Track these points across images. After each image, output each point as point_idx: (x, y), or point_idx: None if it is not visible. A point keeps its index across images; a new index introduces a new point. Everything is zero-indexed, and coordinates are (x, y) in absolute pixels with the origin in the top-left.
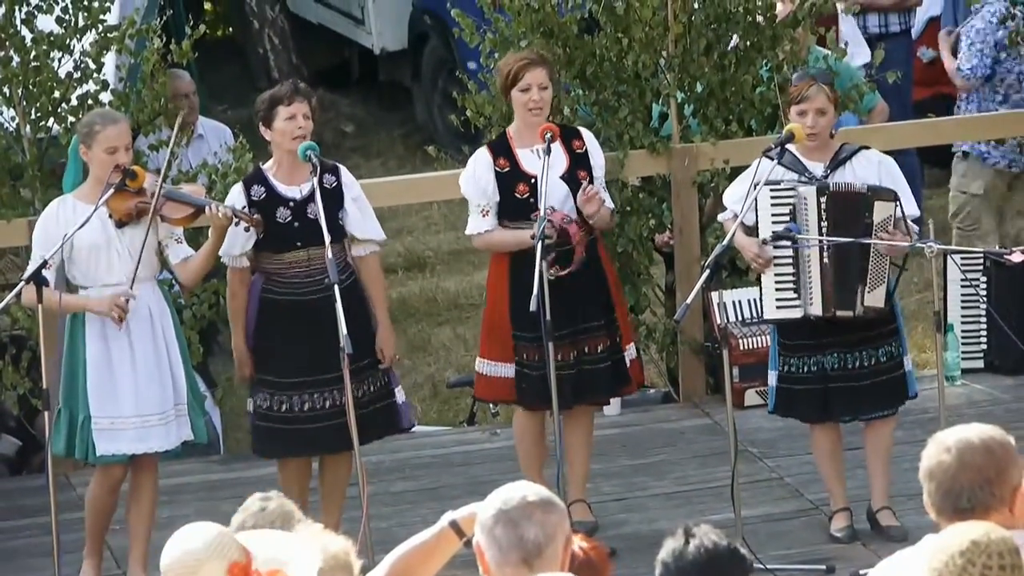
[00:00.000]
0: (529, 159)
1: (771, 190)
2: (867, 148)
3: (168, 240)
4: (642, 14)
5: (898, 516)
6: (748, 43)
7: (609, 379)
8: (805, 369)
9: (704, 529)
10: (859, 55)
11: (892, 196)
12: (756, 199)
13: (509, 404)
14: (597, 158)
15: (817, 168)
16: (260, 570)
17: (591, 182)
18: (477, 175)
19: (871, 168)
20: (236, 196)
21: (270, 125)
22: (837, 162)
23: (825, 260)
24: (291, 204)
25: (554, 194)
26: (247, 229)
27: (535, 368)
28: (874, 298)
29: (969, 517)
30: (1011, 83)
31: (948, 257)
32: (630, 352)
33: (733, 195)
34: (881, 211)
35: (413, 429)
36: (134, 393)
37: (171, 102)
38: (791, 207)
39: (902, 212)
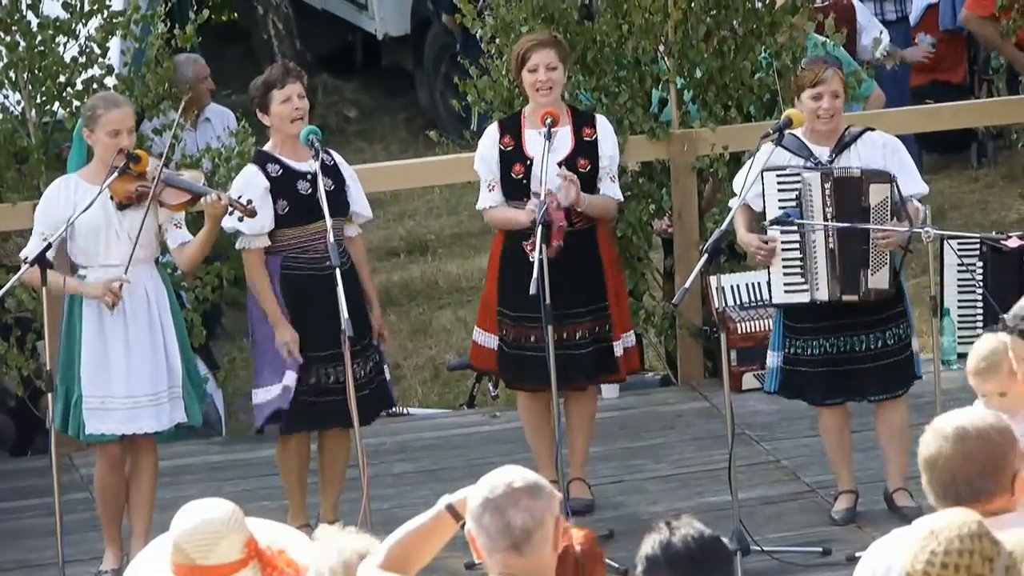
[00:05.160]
0: (534, 140)
1: (777, 176)
2: (871, 130)
3: (168, 224)
4: (642, 1)
5: (915, 497)
6: (747, 29)
7: (590, 365)
8: (811, 351)
9: (685, 520)
10: (871, 31)
11: (887, 178)
12: (763, 186)
13: (493, 375)
14: (608, 147)
15: (823, 152)
16: (268, 549)
17: (594, 171)
18: (484, 150)
19: (875, 150)
20: (253, 176)
21: (267, 110)
22: (842, 145)
23: (831, 245)
24: (308, 177)
25: (552, 179)
26: (240, 219)
27: (510, 346)
28: (878, 280)
29: (970, 505)
30: None
31: (945, 242)
32: (625, 341)
33: (741, 181)
34: (877, 193)
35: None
36: (126, 373)
37: (181, 86)
38: (797, 192)
39: (899, 192)
